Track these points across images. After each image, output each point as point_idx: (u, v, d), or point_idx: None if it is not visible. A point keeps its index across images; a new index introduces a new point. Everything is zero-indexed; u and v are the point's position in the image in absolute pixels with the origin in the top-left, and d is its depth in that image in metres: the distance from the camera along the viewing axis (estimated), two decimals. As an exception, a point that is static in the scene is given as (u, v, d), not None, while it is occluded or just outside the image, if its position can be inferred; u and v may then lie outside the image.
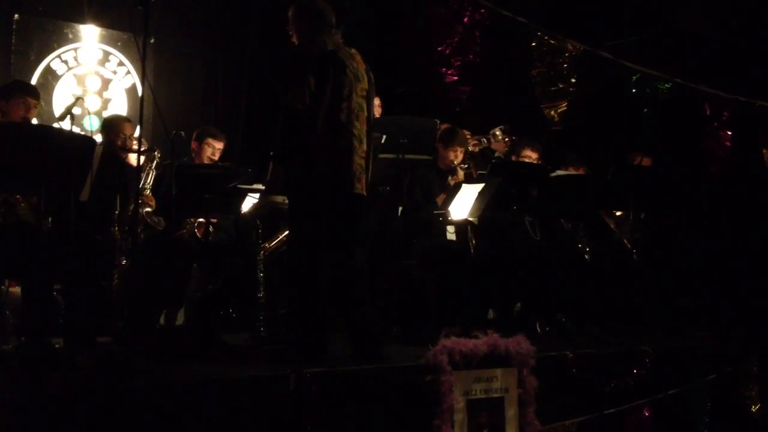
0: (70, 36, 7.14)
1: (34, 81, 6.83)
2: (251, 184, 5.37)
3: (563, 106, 6.71)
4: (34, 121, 5.18)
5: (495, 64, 7.53)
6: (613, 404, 4.68)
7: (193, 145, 5.70)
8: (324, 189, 4.26)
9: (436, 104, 7.20)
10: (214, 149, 5.67)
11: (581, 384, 4.60)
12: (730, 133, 7.37)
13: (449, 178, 5.73)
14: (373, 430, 3.82)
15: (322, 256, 4.33)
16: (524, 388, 4.21)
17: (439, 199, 5.60)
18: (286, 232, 5.54)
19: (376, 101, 5.47)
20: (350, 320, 4.35)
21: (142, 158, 5.07)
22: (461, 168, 5.71)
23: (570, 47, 6.52)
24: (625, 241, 6.27)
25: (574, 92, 6.57)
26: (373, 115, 4.53)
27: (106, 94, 7.28)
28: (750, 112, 6.96)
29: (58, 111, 6.68)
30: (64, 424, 3.06)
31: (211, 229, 5.17)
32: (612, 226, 6.36)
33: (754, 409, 5.49)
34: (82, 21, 7.15)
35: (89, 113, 7.07)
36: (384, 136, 5.42)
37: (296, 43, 4.48)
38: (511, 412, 4.17)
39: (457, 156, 5.72)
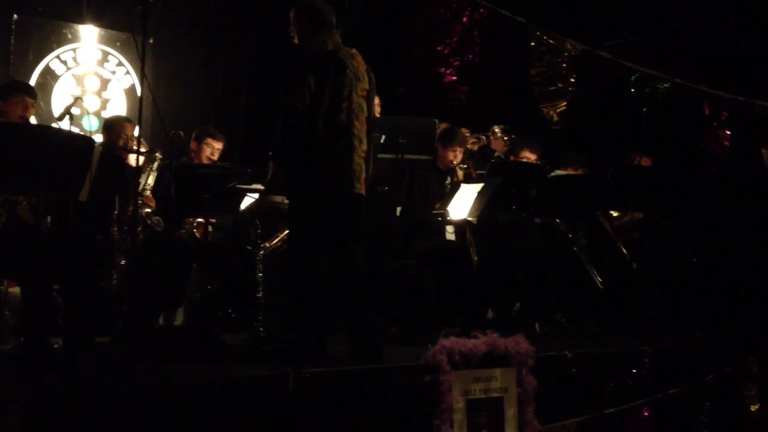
0: (69, 36, 7.14)
1: (33, 81, 6.83)
2: (250, 184, 5.37)
3: (562, 106, 6.71)
4: (33, 121, 5.19)
5: (494, 64, 7.53)
6: (613, 404, 4.68)
7: (192, 145, 5.70)
8: (324, 189, 4.26)
9: (435, 104, 7.20)
10: (213, 149, 5.67)
11: (580, 384, 4.60)
12: (729, 133, 7.37)
13: (448, 178, 5.73)
14: (373, 430, 3.82)
15: (322, 256, 4.33)
16: (523, 388, 4.21)
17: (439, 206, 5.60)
18: (286, 232, 5.53)
19: (376, 101, 5.47)
20: (350, 320, 4.35)
21: (142, 159, 5.08)
22: (460, 168, 5.71)
23: (569, 47, 6.52)
24: (619, 243, 6.26)
25: (573, 92, 6.57)
26: (374, 115, 4.53)
27: (105, 95, 7.28)
28: (749, 112, 6.95)
29: (57, 111, 6.67)
30: (64, 424, 3.06)
31: (210, 229, 5.17)
32: (607, 227, 6.36)
33: (753, 408, 5.49)
34: (81, 21, 7.15)
35: (88, 113, 7.07)
36: (383, 136, 5.42)
37: (297, 44, 4.49)
38: (510, 412, 4.17)
39: (456, 156, 5.71)
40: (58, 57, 7.06)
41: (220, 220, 5.40)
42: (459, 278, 5.33)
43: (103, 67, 7.28)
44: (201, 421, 3.36)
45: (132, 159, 5.37)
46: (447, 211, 5.42)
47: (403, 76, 7.56)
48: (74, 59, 7.14)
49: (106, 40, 7.27)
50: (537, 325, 5.57)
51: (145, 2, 4.14)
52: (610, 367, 4.81)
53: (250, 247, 5.54)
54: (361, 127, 4.35)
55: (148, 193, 5.18)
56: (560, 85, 6.63)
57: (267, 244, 5.69)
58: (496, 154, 6.42)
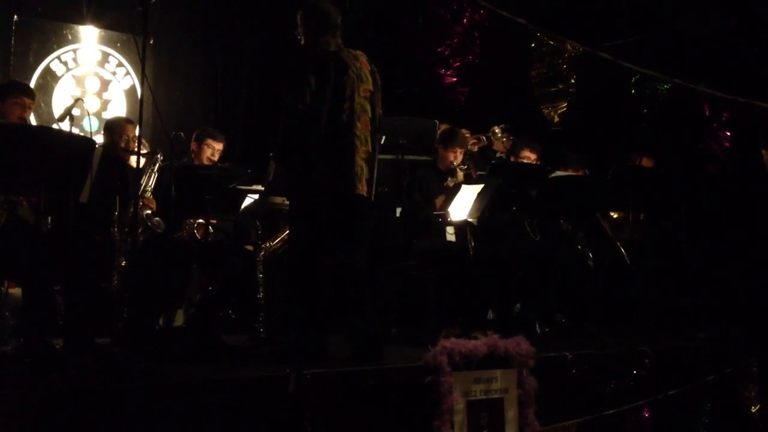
0: (70, 37, 7.14)
1: (33, 82, 6.84)
2: (251, 185, 5.38)
3: (563, 107, 6.70)
4: (34, 122, 5.19)
5: (494, 65, 7.53)
6: (613, 405, 4.68)
7: (193, 145, 5.70)
8: (324, 189, 4.26)
9: (435, 105, 7.19)
10: (213, 150, 5.67)
11: (581, 385, 4.60)
12: (729, 133, 7.37)
13: (448, 179, 5.73)
14: (373, 431, 3.82)
15: (322, 257, 4.33)
16: (524, 388, 4.22)
17: (438, 201, 5.60)
18: (286, 233, 5.54)
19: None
20: (349, 321, 4.34)
21: (143, 160, 5.07)
22: (461, 169, 5.71)
23: (569, 48, 6.52)
24: (619, 244, 6.26)
25: (573, 93, 6.56)
26: (379, 116, 4.52)
27: (105, 95, 7.28)
28: (749, 112, 6.95)
29: (57, 112, 6.67)
30: (64, 425, 3.06)
31: (210, 229, 5.17)
32: (607, 228, 6.36)
33: (753, 409, 5.49)
34: (82, 22, 7.15)
35: (88, 114, 7.06)
36: (383, 137, 5.42)
37: (303, 45, 4.50)
38: (510, 413, 4.18)
39: (456, 157, 5.72)
40: (58, 58, 7.06)
41: (220, 220, 5.40)
42: (459, 279, 5.33)
43: (104, 68, 7.28)
44: (201, 422, 3.36)
45: (133, 160, 5.37)
46: (447, 211, 5.42)
47: (403, 77, 7.56)
48: (74, 60, 7.14)
49: (107, 41, 7.27)
50: (537, 325, 5.57)
51: (145, 3, 4.15)
52: (611, 367, 4.81)
53: (250, 248, 5.55)
54: (363, 128, 4.34)
55: (148, 194, 5.18)
56: (561, 86, 6.63)
57: (267, 245, 5.69)
58: (497, 155, 6.43)
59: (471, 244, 5.31)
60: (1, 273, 4.51)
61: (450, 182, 5.69)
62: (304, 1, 4.54)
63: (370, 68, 4.47)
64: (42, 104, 6.83)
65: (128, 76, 7.36)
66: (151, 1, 4.27)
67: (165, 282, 4.86)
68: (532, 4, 6.89)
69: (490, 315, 5.92)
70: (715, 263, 7.17)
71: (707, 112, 7.26)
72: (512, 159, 6.15)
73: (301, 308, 4.37)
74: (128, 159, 5.37)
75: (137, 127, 4.71)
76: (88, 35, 7.20)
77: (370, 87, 4.43)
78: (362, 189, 4.31)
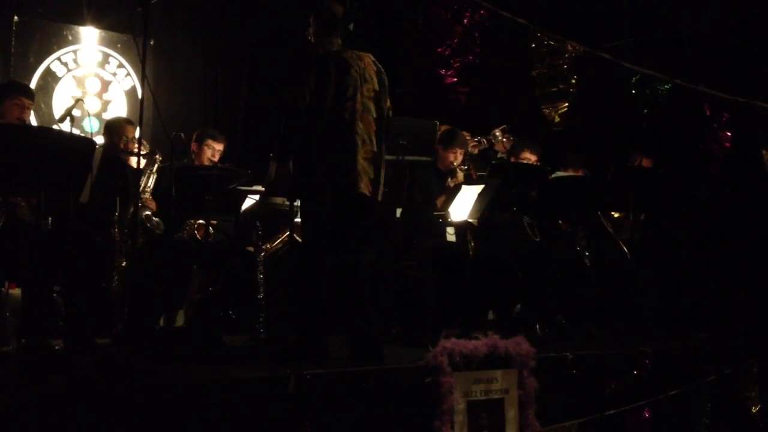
0: (70, 38, 7.14)
1: (33, 83, 6.84)
2: (251, 186, 5.38)
3: (563, 107, 6.71)
4: (34, 122, 5.18)
5: (495, 66, 7.53)
6: (613, 405, 4.68)
7: (193, 146, 5.70)
8: (324, 188, 4.26)
9: (435, 105, 7.20)
10: (214, 150, 5.67)
11: (581, 385, 4.61)
12: (729, 134, 7.37)
13: (449, 179, 5.73)
14: (373, 431, 3.82)
15: (323, 257, 4.33)
16: (524, 389, 4.22)
17: (439, 201, 5.60)
18: (286, 233, 5.54)
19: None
20: (350, 321, 4.35)
21: (143, 161, 5.07)
22: (461, 169, 5.71)
23: (570, 48, 6.52)
24: (621, 243, 6.26)
25: (574, 93, 6.57)
26: (386, 116, 4.52)
27: (105, 96, 7.28)
28: (750, 112, 6.95)
29: (57, 113, 6.68)
30: (64, 426, 3.07)
31: (210, 230, 5.17)
32: (609, 228, 6.36)
33: (754, 410, 5.49)
34: (82, 23, 7.15)
35: (89, 115, 7.08)
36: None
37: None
38: (511, 414, 4.18)
39: (456, 157, 5.71)
40: (58, 59, 7.06)
41: (220, 221, 5.40)
42: (459, 279, 5.33)
43: (104, 69, 7.28)
44: (202, 423, 3.36)
45: (133, 161, 5.37)
46: (448, 212, 5.42)
47: (403, 77, 7.56)
48: (75, 61, 7.14)
49: (107, 42, 7.27)
50: (537, 326, 5.57)
51: (145, 4, 4.15)
52: (611, 368, 4.81)
53: (250, 249, 5.55)
54: (366, 128, 4.34)
55: (147, 195, 5.18)
56: (561, 86, 6.63)
57: (267, 246, 5.70)
58: (498, 155, 6.42)
59: (471, 244, 5.31)
60: (1, 274, 4.51)
61: (450, 183, 5.69)
62: (304, 2, 4.56)
63: (375, 69, 4.48)
64: (42, 105, 6.83)
65: (128, 77, 7.36)
66: (151, 2, 4.27)
67: (165, 283, 4.86)
68: (533, 4, 6.89)
69: (491, 315, 5.92)
70: (715, 263, 7.17)
71: (708, 113, 7.26)
72: (512, 160, 6.15)
73: (302, 308, 4.37)
74: (128, 159, 5.37)
75: (137, 128, 4.71)
76: (89, 36, 7.20)
77: (375, 87, 4.43)
78: (365, 188, 4.30)
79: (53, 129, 5.76)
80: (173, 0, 7.25)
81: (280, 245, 5.83)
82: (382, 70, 4.52)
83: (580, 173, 6.41)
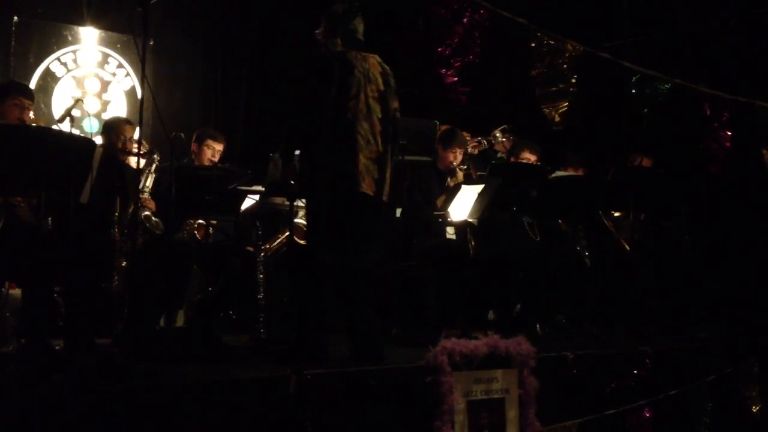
0: (70, 38, 7.14)
1: (33, 83, 6.84)
2: (251, 186, 5.37)
3: (564, 107, 6.70)
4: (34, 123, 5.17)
5: (495, 65, 7.52)
6: (614, 405, 4.68)
7: (193, 146, 5.70)
8: (326, 188, 4.26)
9: (435, 105, 7.19)
10: (214, 151, 5.67)
11: (581, 385, 4.60)
12: (730, 133, 7.36)
13: (448, 179, 5.73)
14: (374, 431, 3.82)
15: (324, 257, 4.32)
16: (525, 389, 4.21)
17: (439, 201, 5.60)
18: (287, 233, 5.54)
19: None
20: (350, 321, 4.34)
21: (143, 161, 5.07)
22: (460, 169, 5.71)
23: (570, 48, 6.51)
24: (623, 242, 6.26)
25: (574, 93, 6.56)
26: (393, 117, 4.51)
27: (105, 96, 7.28)
28: (750, 112, 6.95)
29: (57, 113, 6.67)
30: (65, 426, 3.06)
31: (210, 230, 5.17)
32: (610, 227, 6.36)
33: (754, 409, 5.49)
34: (82, 23, 7.15)
35: (89, 115, 7.08)
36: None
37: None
38: (511, 413, 4.17)
39: (456, 157, 5.72)
40: (58, 59, 7.06)
41: (220, 221, 5.40)
42: (459, 279, 5.33)
43: (104, 69, 7.28)
44: (202, 423, 3.36)
45: (132, 161, 5.37)
46: (448, 212, 5.42)
47: (403, 77, 7.55)
48: (74, 61, 7.14)
49: (107, 42, 7.27)
50: (538, 326, 5.58)
51: (145, 4, 4.14)
52: (611, 367, 4.81)
53: (250, 249, 5.55)
54: (370, 128, 4.33)
55: (146, 195, 5.17)
56: (561, 86, 6.61)
57: (268, 246, 5.69)
58: (498, 155, 6.42)
59: (471, 244, 5.31)
60: (1, 274, 4.51)
61: (450, 182, 5.69)
62: (304, 2, 4.57)
63: (381, 70, 4.47)
64: (42, 105, 6.83)
65: (128, 77, 7.36)
66: (151, 2, 4.27)
67: (165, 283, 4.86)
68: (533, 4, 6.89)
69: (491, 315, 5.92)
70: (715, 263, 7.16)
71: (708, 112, 7.26)
72: (512, 160, 6.15)
73: (302, 308, 4.37)
74: (126, 159, 5.36)
75: (137, 128, 4.70)
76: (88, 36, 7.20)
77: (380, 87, 4.42)
78: (368, 188, 4.29)
79: (53, 129, 5.75)
80: (173, 0, 7.25)
81: (279, 245, 5.83)
82: (389, 71, 4.52)
83: (580, 173, 6.42)
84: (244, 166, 5.89)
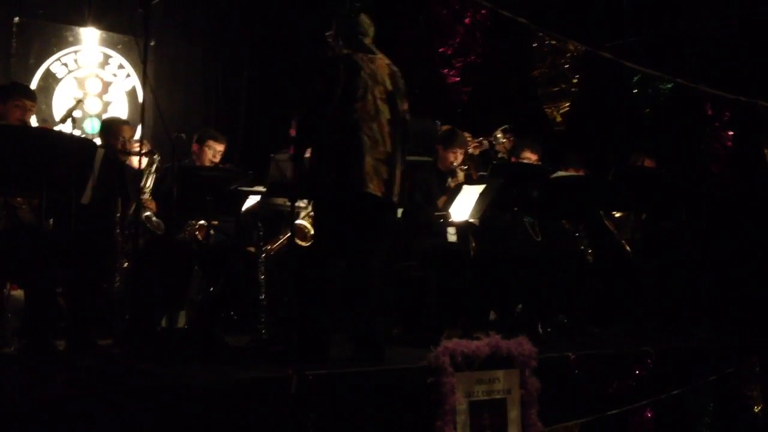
0: (71, 39, 7.14)
1: (34, 84, 6.84)
2: (252, 186, 5.37)
3: (565, 107, 6.70)
4: (35, 123, 5.18)
5: (496, 65, 7.52)
6: (616, 405, 4.67)
7: (194, 147, 5.70)
8: (331, 188, 4.25)
9: (436, 105, 7.19)
10: (215, 151, 5.67)
11: (583, 385, 4.60)
12: (731, 133, 7.37)
13: (449, 179, 5.73)
14: (375, 431, 3.82)
15: (327, 257, 4.32)
16: (526, 389, 4.21)
17: (440, 201, 5.60)
18: (288, 234, 5.53)
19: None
20: (352, 321, 4.34)
21: (144, 161, 5.07)
22: (461, 169, 5.71)
23: (571, 48, 6.51)
24: (624, 242, 6.26)
25: (575, 93, 6.56)
26: (403, 118, 4.51)
27: (106, 97, 7.29)
28: (751, 112, 6.96)
29: (58, 114, 6.68)
30: (66, 426, 3.06)
31: (212, 231, 5.17)
32: (611, 227, 6.36)
33: (756, 409, 5.48)
34: (83, 24, 7.16)
35: (90, 116, 7.08)
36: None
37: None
38: (513, 414, 4.17)
39: (456, 158, 5.71)
40: (59, 60, 7.07)
41: (222, 222, 5.40)
42: (461, 279, 5.33)
43: (105, 70, 7.28)
44: (203, 423, 3.36)
45: (134, 161, 5.37)
46: (449, 212, 5.41)
47: (404, 77, 7.56)
48: (75, 62, 7.15)
49: (108, 43, 7.27)
50: (539, 326, 5.56)
51: (146, 5, 4.15)
52: (613, 368, 4.81)
53: (252, 249, 5.54)
54: (378, 129, 4.32)
55: (146, 195, 5.17)
56: (563, 86, 6.62)
57: (269, 246, 5.69)
58: (499, 155, 6.41)
59: (472, 244, 5.30)
60: (3, 275, 4.51)
61: (451, 183, 5.68)
62: (304, 2, 4.57)
63: (389, 71, 4.47)
64: (43, 106, 6.83)
65: (129, 77, 7.36)
66: (152, 2, 4.27)
67: (167, 283, 4.86)
68: (534, 4, 6.89)
69: (492, 315, 5.92)
70: (716, 263, 7.16)
71: (709, 112, 7.26)
72: (513, 160, 6.15)
73: (304, 308, 4.37)
74: (125, 160, 5.36)
75: (137, 129, 4.71)
76: (89, 37, 7.20)
77: (389, 88, 4.42)
78: (376, 188, 4.28)
79: (54, 130, 5.76)
80: (174, 1, 7.25)
81: (281, 246, 5.83)
82: (398, 72, 4.52)
83: (581, 173, 6.41)
84: (244, 167, 5.89)
